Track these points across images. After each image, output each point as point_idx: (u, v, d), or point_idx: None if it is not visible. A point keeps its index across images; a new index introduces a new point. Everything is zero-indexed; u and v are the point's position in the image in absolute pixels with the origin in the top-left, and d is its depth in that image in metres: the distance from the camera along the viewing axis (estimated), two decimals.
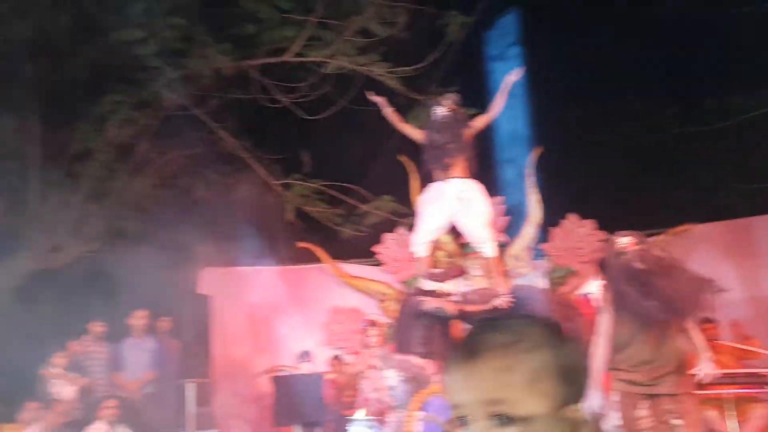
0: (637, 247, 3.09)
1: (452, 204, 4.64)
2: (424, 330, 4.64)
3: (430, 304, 4.51)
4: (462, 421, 0.77)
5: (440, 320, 4.67)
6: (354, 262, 7.70)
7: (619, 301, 2.98)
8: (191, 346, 6.06)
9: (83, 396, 5.38)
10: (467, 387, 0.76)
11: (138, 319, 5.83)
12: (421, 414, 3.42)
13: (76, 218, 6.88)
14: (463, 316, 4.41)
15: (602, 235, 7.05)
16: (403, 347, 4.59)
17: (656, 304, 2.88)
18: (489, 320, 0.79)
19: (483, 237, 4.69)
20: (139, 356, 5.64)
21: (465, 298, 4.56)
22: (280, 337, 7.43)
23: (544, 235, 7.22)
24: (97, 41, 6.33)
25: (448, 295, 4.71)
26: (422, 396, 3.53)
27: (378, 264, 7.49)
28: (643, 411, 2.89)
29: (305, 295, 7.62)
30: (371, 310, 7.11)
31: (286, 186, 7.40)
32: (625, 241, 3.18)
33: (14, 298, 6.11)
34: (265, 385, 7.11)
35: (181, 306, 6.10)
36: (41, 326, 5.38)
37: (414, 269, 7.09)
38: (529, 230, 7.17)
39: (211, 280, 7.42)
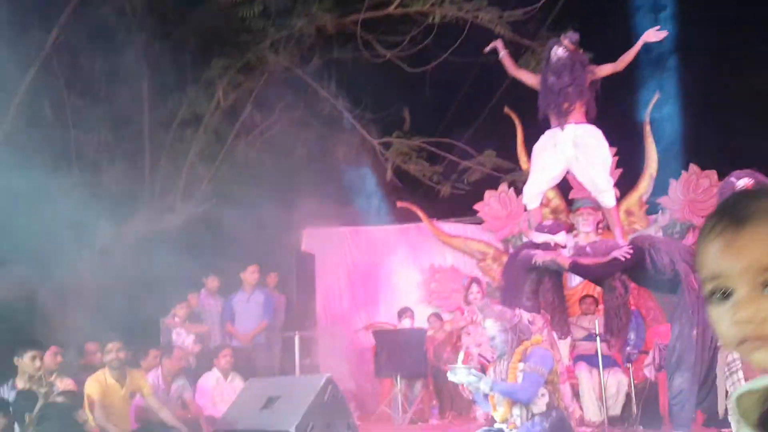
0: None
1: (569, 151, 4.43)
2: (534, 284, 4.53)
3: (541, 256, 4.35)
4: (720, 292, 0.76)
5: (552, 273, 4.55)
6: (454, 221, 7.72)
7: None
8: (297, 300, 6.26)
9: (200, 345, 5.75)
10: (731, 254, 0.75)
11: (250, 273, 6.11)
12: (523, 365, 3.40)
13: (186, 181, 7.27)
14: (577, 269, 4.24)
15: None
16: (510, 301, 4.50)
17: None
18: (755, 189, 0.79)
19: (602, 185, 4.45)
20: (249, 309, 5.92)
21: (579, 251, 4.38)
22: (379, 295, 7.64)
23: (662, 187, 6.85)
24: (204, 5, 6.55)
25: (561, 247, 4.54)
26: (524, 347, 3.48)
27: (479, 222, 7.52)
28: None
29: (404, 254, 7.74)
30: (470, 269, 7.10)
31: (386, 144, 7.41)
32: (743, 182, 3.02)
33: (136, 256, 6.56)
34: (366, 340, 7.38)
35: (287, 263, 6.31)
36: (162, 281, 5.76)
37: (515, 227, 7.06)
38: (644, 183, 6.84)
39: (314, 239, 7.67)
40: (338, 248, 7.79)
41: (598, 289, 6.58)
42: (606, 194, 4.54)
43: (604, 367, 5.34)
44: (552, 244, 4.54)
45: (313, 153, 7.34)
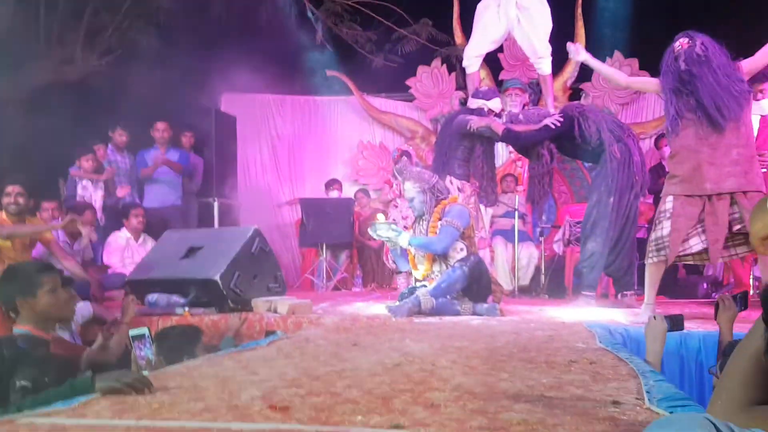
0: (687, 46, 3.05)
1: (511, 12, 4.40)
2: (466, 151, 4.63)
3: (476, 122, 4.40)
4: None
5: (484, 141, 4.63)
6: (384, 96, 7.64)
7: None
8: (216, 164, 6.05)
9: (108, 202, 5.47)
10: None
11: (160, 131, 5.77)
12: (442, 222, 3.56)
13: (88, 29, 6.60)
14: (509, 135, 4.32)
15: (644, 75, 6.89)
16: (442, 168, 4.60)
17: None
18: None
19: (542, 51, 4.48)
20: (163, 168, 5.65)
21: (512, 118, 4.46)
22: (305, 169, 7.59)
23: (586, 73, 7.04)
24: None
25: (495, 114, 4.60)
26: (442, 205, 3.63)
27: (410, 99, 7.51)
28: None
29: (332, 128, 7.67)
30: (399, 147, 7.14)
31: (317, 3, 7.03)
32: (678, 42, 3.13)
33: (29, 109, 6.02)
34: (289, 215, 7.41)
35: (204, 124, 6.01)
36: (62, 134, 5.35)
37: (446, 106, 7.10)
38: (570, 67, 7.00)
39: (234, 105, 7.36)
40: (262, 116, 7.58)
41: (519, 169, 7.08)
42: (544, 61, 4.59)
43: (518, 241, 5.70)
44: (486, 110, 4.58)
45: (233, 9, 6.84)
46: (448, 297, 3.55)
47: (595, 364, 1.90)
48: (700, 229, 3.21)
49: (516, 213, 5.65)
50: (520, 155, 6.79)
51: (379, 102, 7.57)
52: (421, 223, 3.79)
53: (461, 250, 3.63)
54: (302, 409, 1.31)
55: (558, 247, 5.89)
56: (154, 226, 5.43)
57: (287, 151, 7.60)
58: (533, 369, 1.85)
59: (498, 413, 1.32)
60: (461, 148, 4.60)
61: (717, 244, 3.13)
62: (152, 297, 3.55)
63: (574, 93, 6.98)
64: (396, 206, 5.99)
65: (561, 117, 4.18)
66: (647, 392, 1.46)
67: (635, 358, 1.99)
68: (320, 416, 1.25)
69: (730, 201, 3.15)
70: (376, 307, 3.92)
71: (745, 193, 3.11)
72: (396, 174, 3.88)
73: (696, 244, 3.21)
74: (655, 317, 2.19)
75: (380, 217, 3.87)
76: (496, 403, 1.41)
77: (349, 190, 7.16)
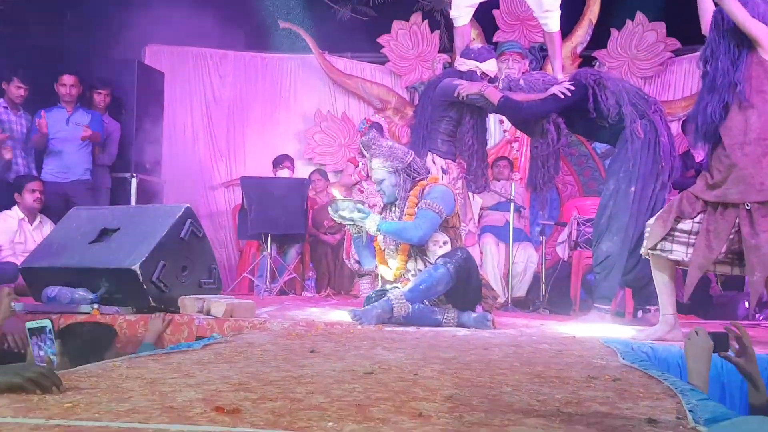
0: None
1: None
2: (453, 123, 4.64)
3: (466, 88, 4.41)
4: None
5: (474, 112, 4.64)
6: (351, 56, 7.65)
7: None
8: (137, 131, 5.93)
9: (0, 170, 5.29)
10: None
11: (67, 86, 5.59)
12: (420, 205, 3.56)
13: None
14: (507, 105, 4.33)
15: (673, 43, 7.06)
16: (422, 143, 4.61)
17: None
18: None
19: (549, 3, 4.51)
20: (70, 132, 5.48)
21: (511, 84, 4.47)
22: (247, 143, 7.53)
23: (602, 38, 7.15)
24: None
25: (490, 79, 4.62)
26: (420, 187, 3.63)
27: (382, 61, 7.52)
28: None
29: (284, 93, 7.63)
30: (368, 117, 7.14)
31: None
32: None
33: None
34: (224, 200, 7.34)
35: (123, 81, 5.89)
36: None
37: (426, 72, 7.14)
38: (580, 30, 7.12)
39: (162, 59, 7.23)
40: (196, 75, 7.50)
41: (515, 153, 7.15)
42: (551, 15, 4.62)
43: (513, 241, 5.75)
44: (479, 73, 4.59)
45: None
46: (426, 302, 3.53)
47: (620, 381, 1.91)
48: None
49: (511, 205, 5.69)
50: (519, 133, 6.95)
51: (344, 63, 7.58)
52: (392, 210, 3.77)
53: (444, 243, 3.62)
54: (257, 413, 1.27)
55: (562, 251, 5.98)
56: (54, 205, 5.31)
57: (226, 120, 7.54)
58: (543, 383, 1.84)
59: (506, 426, 1.30)
60: (446, 119, 4.61)
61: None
62: (51, 291, 3.45)
63: (585, 63, 7.07)
64: (361, 191, 5.99)
65: (572, 85, 4.20)
66: (690, 411, 1.46)
67: (670, 376, 1.99)
68: (280, 421, 1.22)
69: None
70: (336, 314, 3.89)
71: None
72: (362, 148, 3.84)
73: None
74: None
75: (337, 194, 3.85)
76: (501, 416, 1.39)
77: (302, 170, 7.15)
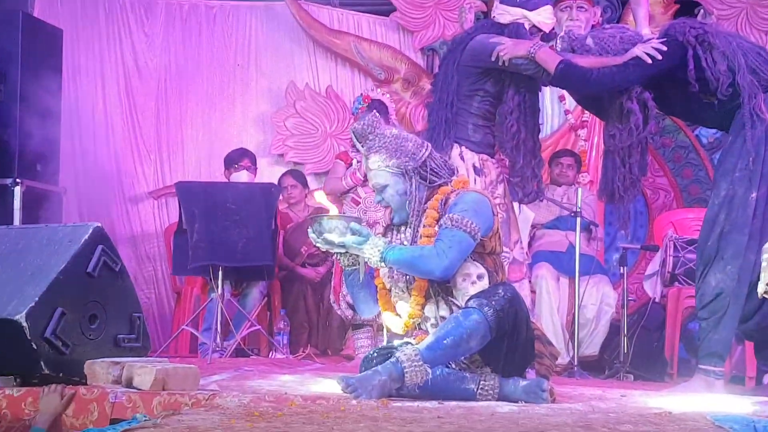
0: None
1: None
2: (489, 101, 4.70)
3: (510, 49, 4.46)
4: None
5: (521, 84, 4.68)
6: (339, 5, 7.73)
7: None
8: (21, 118, 5.93)
9: None
10: None
11: None
12: (444, 221, 3.57)
13: None
14: (569, 74, 4.36)
15: None
16: (443, 130, 4.68)
17: None
18: None
19: None
20: None
21: (574, 44, 4.50)
22: (186, 133, 7.61)
23: None
24: None
25: (545, 36, 4.66)
26: (442, 194, 3.66)
27: (385, 12, 7.62)
28: None
29: (240, 57, 7.70)
30: (365, 93, 7.15)
31: None
32: None
33: None
34: (151, 218, 7.37)
35: (3, 42, 5.92)
36: None
37: (451, 28, 7.19)
38: None
39: (59, 10, 7.29)
40: (110, 32, 7.56)
41: (582, 143, 7.16)
42: None
43: (581, 274, 5.75)
44: (527, 26, 4.65)
45: None
46: (454, 365, 3.55)
47: None
48: None
49: (577, 221, 5.68)
50: (587, 115, 6.94)
51: (330, 14, 7.66)
52: (402, 231, 3.78)
53: (479, 278, 3.63)
54: None
55: (652, 287, 6.01)
56: None
57: (155, 99, 7.61)
58: None
59: None
60: (480, 95, 4.66)
61: None
62: None
63: (684, 11, 7.09)
64: (357, 202, 5.98)
65: (664, 44, 4.24)
66: None
67: None
68: None
69: None
70: (321, 383, 3.91)
71: None
72: (354, 140, 3.83)
73: None
74: None
75: (331, 209, 3.85)
76: None
77: (269, 173, 7.21)
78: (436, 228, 3.61)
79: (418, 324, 3.70)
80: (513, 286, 3.68)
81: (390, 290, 3.77)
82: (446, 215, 3.60)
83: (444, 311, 3.64)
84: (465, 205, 3.60)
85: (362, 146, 3.77)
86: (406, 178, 3.69)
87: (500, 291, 3.54)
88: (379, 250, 3.55)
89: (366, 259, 3.61)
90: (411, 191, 3.69)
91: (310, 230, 3.63)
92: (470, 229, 3.54)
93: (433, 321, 3.66)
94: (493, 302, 3.47)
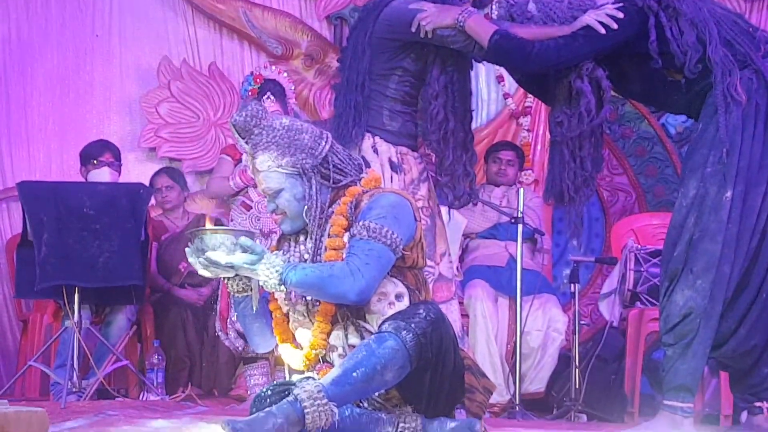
0: None
1: None
2: (411, 82, 4.76)
3: (434, 17, 4.49)
4: None
5: (451, 60, 4.74)
6: None
7: None
8: None
9: None
10: None
11: None
12: (356, 229, 3.58)
13: None
14: (504, 47, 4.39)
15: None
16: (353, 118, 4.72)
17: None
18: None
19: None
20: None
21: (513, 11, 4.55)
22: (32, 119, 7.55)
23: None
24: None
25: (481, 3, 4.75)
26: (351, 196, 3.65)
27: None
28: None
29: (99, 27, 7.67)
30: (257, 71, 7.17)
31: None
32: None
33: None
34: None
35: None
36: None
37: None
38: None
39: None
40: None
41: (524, 134, 7.26)
42: None
43: (523, 294, 5.84)
44: None
45: None
46: (365, 403, 3.58)
47: None
48: None
49: (518, 229, 5.76)
50: (531, 99, 7.02)
51: None
52: (302, 242, 3.79)
53: (398, 298, 3.65)
54: None
55: (609, 308, 6.07)
56: None
57: None
58: None
59: None
60: (399, 73, 4.71)
61: None
62: None
63: None
64: (248, 207, 5.97)
65: (620, 10, 4.29)
66: None
67: None
68: None
69: None
70: (204, 430, 3.92)
71: None
72: (235, 134, 3.77)
73: None
74: None
75: (209, 221, 3.80)
76: None
77: (138, 171, 7.22)
78: (345, 238, 3.61)
79: (323, 356, 3.68)
80: (437, 306, 3.65)
81: (288, 315, 3.76)
82: (358, 222, 3.56)
83: (354, 339, 3.61)
84: (382, 209, 3.59)
85: (247, 143, 3.73)
86: (304, 179, 3.67)
87: (421, 311, 3.53)
88: (277, 271, 3.48)
89: (261, 283, 3.59)
90: (311, 194, 3.69)
91: (188, 249, 3.58)
92: (390, 240, 3.54)
93: (340, 351, 3.64)
94: (413, 325, 3.47)
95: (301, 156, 3.66)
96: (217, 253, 3.49)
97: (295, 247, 3.78)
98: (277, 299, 3.76)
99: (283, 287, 3.53)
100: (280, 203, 3.69)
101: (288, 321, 3.77)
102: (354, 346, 3.58)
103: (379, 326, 3.52)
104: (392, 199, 3.66)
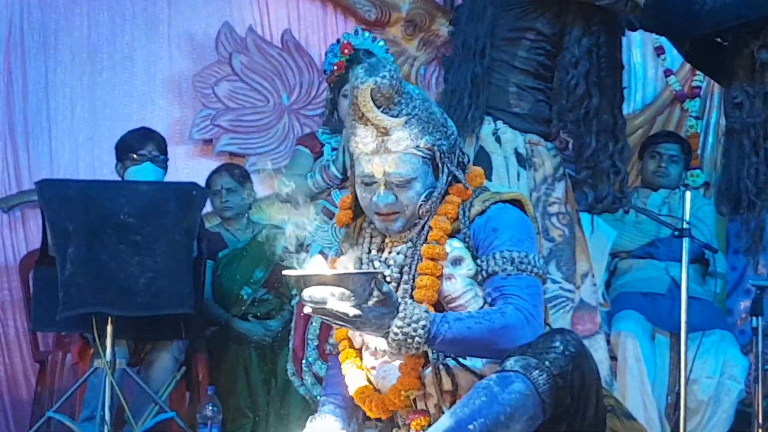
0: None
1: None
2: (542, 50, 4.81)
3: None
4: None
5: (598, 21, 4.79)
6: None
7: None
8: None
9: None
10: None
11: None
12: (463, 260, 3.56)
13: None
14: (668, 6, 4.47)
15: None
16: (472, 96, 4.75)
17: None
18: None
19: None
20: None
21: None
22: (54, 102, 7.68)
23: None
24: None
25: None
26: (451, 207, 3.64)
27: None
28: None
29: None
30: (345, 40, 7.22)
31: None
32: None
33: None
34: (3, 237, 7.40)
35: None
36: None
37: None
38: None
39: None
40: None
41: (691, 123, 7.21)
42: None
43: (689, 330, 5.74)
44: None
45: None
46: None
47: None
48: None
49: (683, 245, 5.70)
50: (700, 77, 6.97)
51: None
52: (391, 251, 3.76)
53: None
54: None
55: None
56: None
57: (4, 54, 7.66)
58: None
59: None
60: (530, 39, 4.75)
61: None
62: None
63: None
64: (331, 215, 5.96)
65: None
66: None
67: None
68: None
69: None
70: None
71: None
72: (369, 103, 3.66)
73: None
74: None
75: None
76: None
77: (188, 168, 7.34)
78: (448, 248, 3.61)
79: (412, 400, 3.69)
80: (577, 336, 3.61)
81: (361, 351, 3.77)
82: (494, 253, 3.56)
83: (448, 383, 3.63)
84: (514, 231, 3.61)
85: (386, 113, 3.64)
86: (431, 169, 3.70)
87: (557, 344, 3.49)
88: (423, 327, 3.34)
89: (393, 344, 3.39)
90: (439, 188, 3.67)
91: (292, 277, 3.42)
92: (540, 269, 3.60)
93: (435, 400, 3.65)
94: (547, 363, 3.45)
95: (437, 136, 3.67)
96: (341, 301, 3.34)
97: (375, 256, 3.78)
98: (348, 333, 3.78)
99: (428, 346, 3.44)
100: (406, 197, 3.64)
101: (361, 356, 3.78)
102: (449, 393, 3.61)
103: (501, 363, 3.51)
104: (517, 215, 3.69)
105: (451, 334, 3.38)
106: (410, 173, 3.62)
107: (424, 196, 3.64)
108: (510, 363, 3.41)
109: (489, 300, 3.55)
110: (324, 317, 3.34)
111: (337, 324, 3.40)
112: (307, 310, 3.36)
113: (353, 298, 3.23)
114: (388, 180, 3.61)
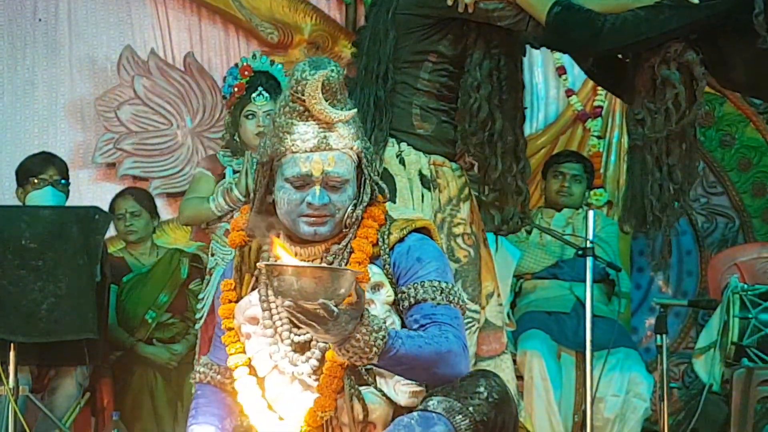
0: None
1: None
2: (446, 71, 4.79)
3: None
4: None
5: (499, 41, 4.79)
6: None
7: None
8: None
9: None
10: None
11: None
12: (385, 287, 3.51)
13: None
14: (569, 25, 4.46)
15: None
16: (375, 118, 4.77)
17: None
18: None
19: None
20: None
21: None
22: None
23: None
24: None
25: None
26: (372, 227, 3.60)
27: None
28: None
29: (41, 10, 7.73)
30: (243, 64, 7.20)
31: None
32: None
33: None
34: None
35: None
36: None
37: None
38: None
39: None
40: None
41: (593, 143, 7.28)
42: None
43: (595, 349, 5.76)
44: None
45: None
46: None
47: None
48: None
49: (587, 264, 5.71)
50: (603, 95, 7.01)
51: None
52: None
53: None
54: None
55: (707, 366, 6.04)
56: None
57: None
58: None
59: None
60: (432, 61, 4.76)
61: None
62: None
63: None
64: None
65: None
66: None
67: None
68: None
69: None
70: None
71: None
72: (318, 96, 3.60)
73: None
74: None
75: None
76: None
77: (92, 192, 7.28)
78: (370, 273, 3.54)
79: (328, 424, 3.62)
80: (500, 379, 3.59)
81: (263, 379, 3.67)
82: (422, 282, 3.52)
83: (360, 413, 3.52)
84: (437, 262, 3.59)
85: (330, 109, 3.58)
86: (356, 176, 3.62)
87: (482, 390, 3.44)
88: (382, 338, 3.24)
89: (347, 356, 3.28)
90: (362, 197, 3.61)
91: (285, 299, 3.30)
92: (462, 301, 3.59)
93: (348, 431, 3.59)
94: (471, 409, 3.40)
95: (365, 143, 3.65)
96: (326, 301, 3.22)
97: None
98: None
99: (376, 359, 3.31)
100: (339, 200, 3.57)
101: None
102: (361, 423, 3.53)
103: (423, 401, 3.47)
104: (435, 246, 3.67)
105: (404, 350, 3.30)
106: (346, 174, 3.57)
107: (352, 204, 3.59)
108: (433, 403, 3.37)
109: (415, 326, 3.47)
110: (291, 312, 3.14)
111: (300, 323, 3.17)
112: (278, 302, 3.38)
113: (332, 295, 3.06)
114: (325, 179, 3.53)
